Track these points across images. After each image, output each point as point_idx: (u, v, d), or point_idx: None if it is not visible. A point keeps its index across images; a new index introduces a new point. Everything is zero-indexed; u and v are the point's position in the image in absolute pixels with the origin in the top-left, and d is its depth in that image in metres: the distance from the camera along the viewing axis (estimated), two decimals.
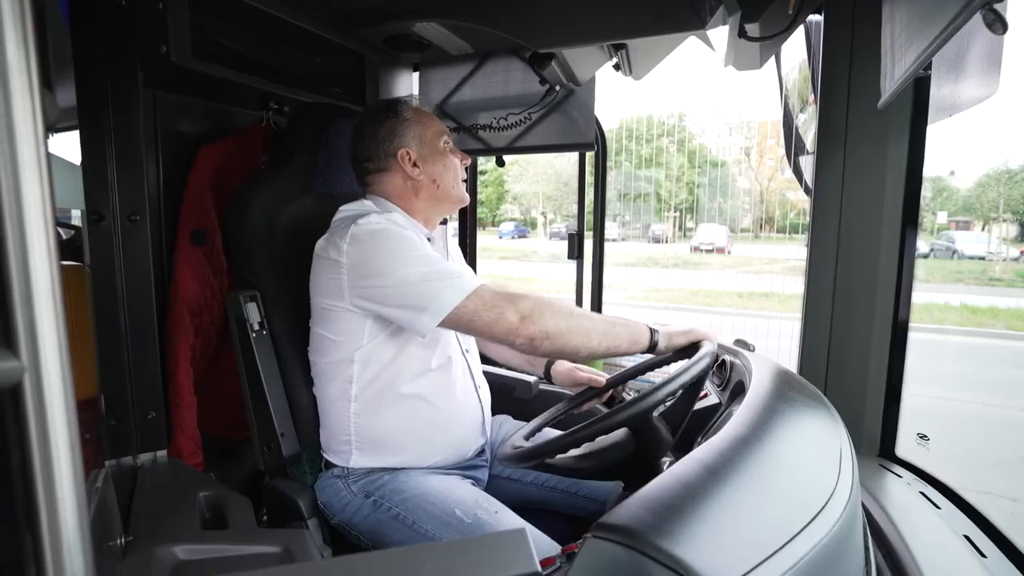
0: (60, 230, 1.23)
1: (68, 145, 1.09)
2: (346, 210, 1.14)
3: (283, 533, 0.98)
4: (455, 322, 1.00)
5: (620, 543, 0.51)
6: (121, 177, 1.12)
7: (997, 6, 0.63)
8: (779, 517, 0.59)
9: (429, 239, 1.17)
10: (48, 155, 0.38)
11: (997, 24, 0.62)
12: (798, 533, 0.57)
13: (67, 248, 1.23)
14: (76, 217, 1.20)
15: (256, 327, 1.20)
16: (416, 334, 1.04)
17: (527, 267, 12.37)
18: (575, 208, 1.95)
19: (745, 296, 8.84)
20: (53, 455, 0.38)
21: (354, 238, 1.03)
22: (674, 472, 0.62)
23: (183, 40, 1.12)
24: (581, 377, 1.25)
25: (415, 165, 1.17)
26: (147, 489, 1.07)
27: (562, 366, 1.29)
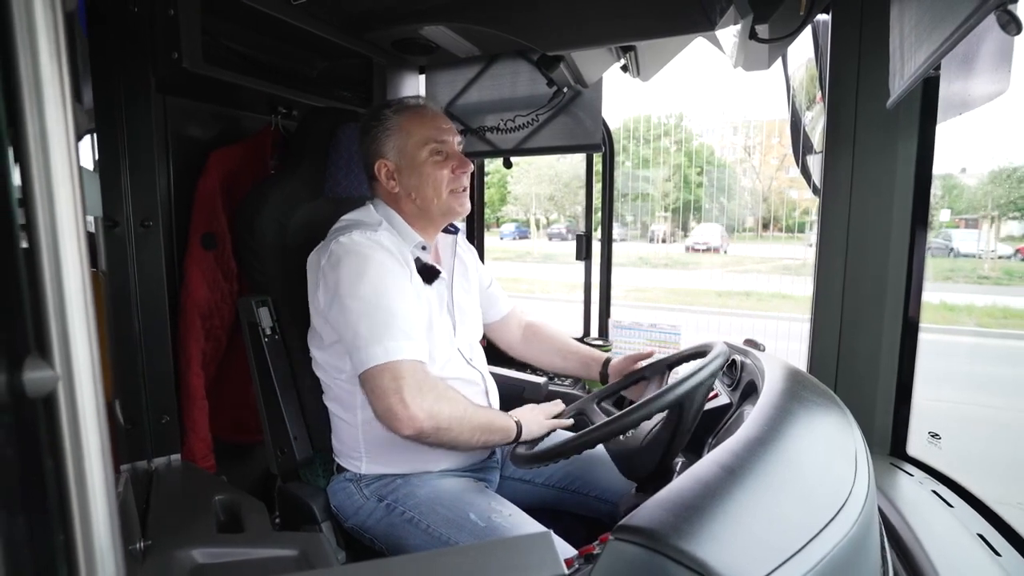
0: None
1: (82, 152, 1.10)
2: (344, 220, 1.14)
3: (298, 536, 0.98)
4: (365, 382, 0.99)
5: (642, 545, 0.52)
6: (134, 183, 1.13)
7: (1011, 6, 0.63)
8: (798, 518, 0.59)
9: (424, 248, 1.15)
10: (79, 165, 0.39)
11: (1012, 25, 0.62)
12: (817, 534, 0.57)
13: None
14: (89, 223, 1.21)
15: (268, 331, 1.20)
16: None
17: (520, 268, 12.49)
18: (576, 209, 1.95)
19: (724, 295, 8.86)
20: (86, 462, 0.38)
21: (330, 257, 1.04)
22: (692, 473, 0.62)
23: (195, 45, 1.13)
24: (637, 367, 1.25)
25: (391, 178, 1.13)
26: (163, 493, 1.08)
27: (619, 362, 1.30)
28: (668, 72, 1.49)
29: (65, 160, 0.37)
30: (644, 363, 1.25)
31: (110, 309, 1.12)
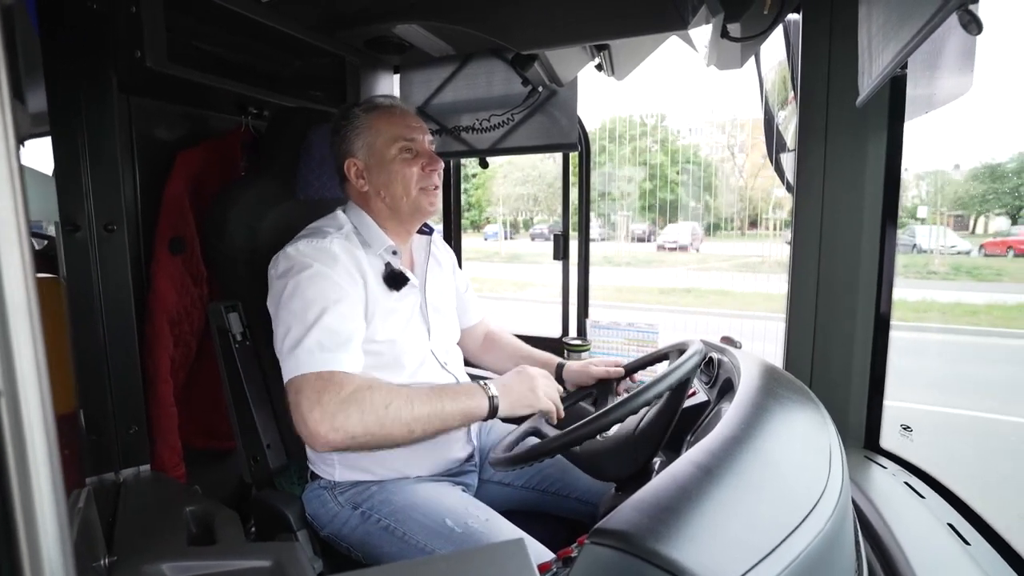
0: (33, 241, 1.19)
1: (38, 155, 1.06)
2: (308, 227, 1.12)
3: (273, 546, 0.96)
4: (296, 389, 0.94)
5: (618, 548, 0.51)
6: (96, 186, 1.09)
7: (972, 7, 0.64)
8: (774, 516, 0.60)
9: (395, 252, 1.12)
10: (21, 167, 0.37)
11: (972, 24, 0.63)
12: (793, 531, 0.57)
13: (40, 259, 1.19)
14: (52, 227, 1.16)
15: (239, 337, 1.17)
16: None
17: (480, 268, 12.56)
18: (559, 208, 1.94)
19: (666, 292, 9.01)
20: (32, 479, 0.36)
21: (276, 266, 1.03)
22: (669, 474, 0.62)
23: (158, 44, 1.09)
24: (597, 372, 1.22)
25: (360, 176, 1.12)
26: (131, 506, 1.04)
27: (574, 366, 1.27)
28: (649, 72, 1.50)
29: (4, 163, 0.35)
30: (599, 370, 1.23)
31: (72, 316, 1.08)
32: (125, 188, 1.16)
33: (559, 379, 1.28)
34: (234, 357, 1.16)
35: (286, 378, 0.95)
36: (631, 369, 1.22)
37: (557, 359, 1.34)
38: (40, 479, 0.36)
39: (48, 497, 0.37)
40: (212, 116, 1.48)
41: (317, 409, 0.90)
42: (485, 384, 1.02)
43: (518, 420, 1.18)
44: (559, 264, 1.90)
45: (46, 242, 1.21)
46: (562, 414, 1.07)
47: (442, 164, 1.15)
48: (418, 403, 0.95)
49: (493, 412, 1.00)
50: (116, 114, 1.11)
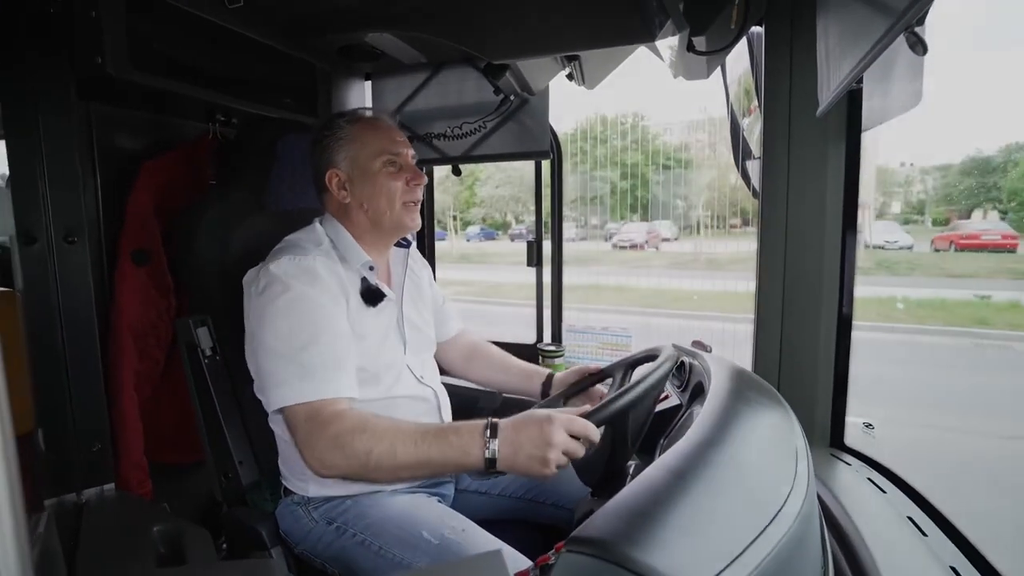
0: None
1: None
2: (285, 240, 1.10)
3: (246, 564, 0.94)
4: (287, 420, 0.96)
5: (594, 556, 0.52)
6: (55, 196, 1.05)
7: (917, 29, 0.68)
8: (744, 517, 0.61)
9: (372, 268, 1.11)
10: None
11: (918, 46, 0.67)
12: (762, 531, 0.59)
13: None
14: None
15: (208, 352, 1.14)
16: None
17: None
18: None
19: (572, 289, 9.05)
20: None
21: (258, 284, 1.01)
22: (644, 480, 0.63)
23: (120, 49, 1.06)
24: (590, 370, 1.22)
25: (343, 188, 1.10)
26: (94, 528, 1.01)
27: (561, 373, 1.26)
28: (625, 73, 1.52)
29: None
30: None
31: (29, 331, 1.04)
32: (86, 198, 1.12)
33: (545, 393, 1.27)
34: (204, 373, 1.13)
35: (276, 404, 0.94)
36: (608, 372, 1.22)
37: (545, 370, 1.33)
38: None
39: (7, 523, 0.35)
40: (177, 123, 1.44)
41: (307, 448, 0.91)
42: (487, 436, 0.86)
43: None
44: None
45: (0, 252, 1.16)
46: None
47: (425, 179, 1.14)
48: (402, 451, 0.88)
49: (488, 468, 0.86)
50: (75, 121, 1.08)
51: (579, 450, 0.84)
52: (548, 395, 1.26)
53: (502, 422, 0.87)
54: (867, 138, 1.24)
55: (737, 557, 0.55)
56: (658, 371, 0.89)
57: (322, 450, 0.90)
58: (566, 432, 0.83)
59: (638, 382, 0.87)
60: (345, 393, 0.96)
